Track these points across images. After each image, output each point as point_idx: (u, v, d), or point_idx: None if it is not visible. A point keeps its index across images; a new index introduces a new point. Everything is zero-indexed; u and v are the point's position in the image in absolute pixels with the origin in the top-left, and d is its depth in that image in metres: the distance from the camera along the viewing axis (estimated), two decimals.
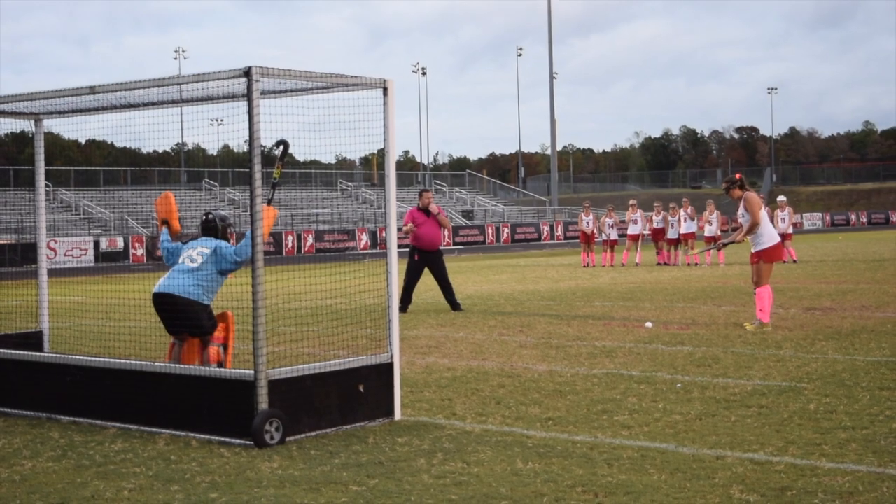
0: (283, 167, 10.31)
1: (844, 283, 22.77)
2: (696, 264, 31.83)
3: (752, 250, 14.91)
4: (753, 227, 14.80)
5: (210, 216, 10.63)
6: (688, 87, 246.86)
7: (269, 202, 10.02)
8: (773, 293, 14.82)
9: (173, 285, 9.98)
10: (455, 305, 18.70)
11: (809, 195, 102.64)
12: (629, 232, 34.57)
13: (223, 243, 10.23)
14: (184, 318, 9.98)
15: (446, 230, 19.30)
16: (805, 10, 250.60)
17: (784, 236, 32.50)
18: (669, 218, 33.31)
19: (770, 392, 9.77)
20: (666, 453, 7.50)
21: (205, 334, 10.11)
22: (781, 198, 34.42)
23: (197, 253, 10.21)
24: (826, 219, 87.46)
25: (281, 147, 10.02)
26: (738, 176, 15.48)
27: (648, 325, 15.12)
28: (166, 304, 10.02)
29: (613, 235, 34.33)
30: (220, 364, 10.09)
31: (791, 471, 6.92)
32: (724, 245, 16.48)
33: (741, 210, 14.95)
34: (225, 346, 10.30)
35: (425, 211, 18.86)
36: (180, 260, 10.24)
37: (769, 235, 14.88)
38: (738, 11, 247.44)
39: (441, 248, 19.16)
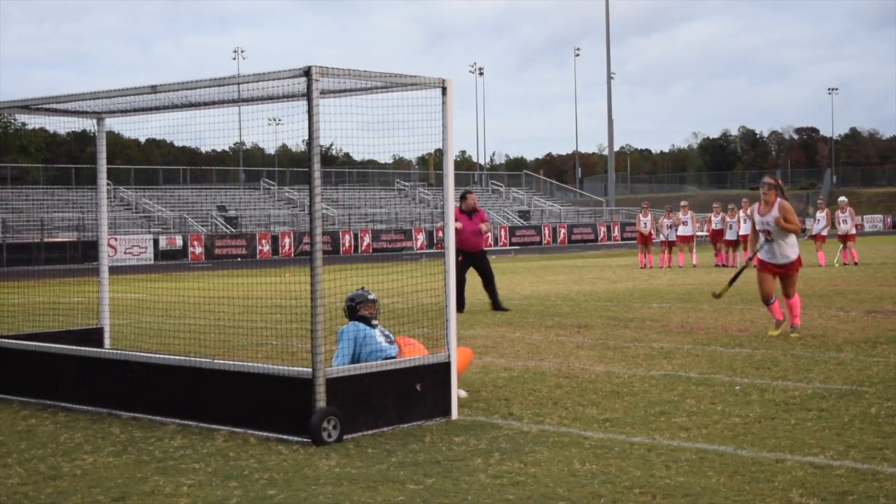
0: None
1: None
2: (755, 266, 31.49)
3: (778, 261, 14.18)
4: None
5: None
6: (748, 87, 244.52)
7: None
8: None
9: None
10: (497, 305, 18.70)
11: (871, 197, 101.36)
12: (679, 233, 34.11)
13: (339, 339, 9.65)
14: None
15: (487, 234, 19.19)
16: (869, 8, 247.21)
17: (847, 237, 32.03)
18: (728, 219, 33.02)
19: (830, 395, 9.67)
20: (725, 456, 7.44)
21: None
22: (842, 199, 33.83)
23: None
24: (887, 221, 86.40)
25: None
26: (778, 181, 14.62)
27: None
28: None
29: (671, 237, 34.08)
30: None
31: (852, 475, 6.84)
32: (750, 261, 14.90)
33: (773, 216, 13.92)
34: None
35: (468, 213, 18.89)
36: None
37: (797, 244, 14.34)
38: (801, 10, 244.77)
39: (484, 248, 19.26)
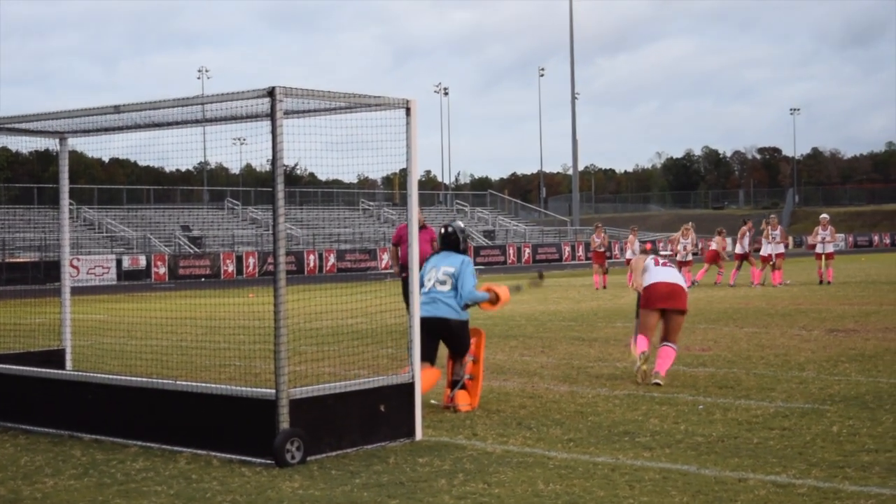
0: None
1: (867, 304, 22.65)
2: (732, 284, 31.26)
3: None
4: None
5: (450, 229, 10.91)
6: (713, 107, 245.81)
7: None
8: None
9: (445, 312, 10.40)
10: None
11: (832, 216, 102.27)
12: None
13: (466, 267, 10.63)
14: (457, 341, 10.54)
15: None
16: (834, 29, 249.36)
17: (826, 255, 31.62)
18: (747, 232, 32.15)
19: (793, 414, 9.72)
20: (688, 475, 7.47)
21: (466, 352, 10.59)
22: (824, 216, 32.90)
23: (444, 273, 10.57)
24: (849, 240, 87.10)
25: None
26: (647, 247, 13.97)
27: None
28: (441, 330, 10.45)
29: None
30: (472, 376, 10.54)
31: (814, 493, 6.87)
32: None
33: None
34: (475, 359, 10.66)
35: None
36: (428, 283, 10.57)
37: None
38: (767, 30, 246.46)
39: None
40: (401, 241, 18.43)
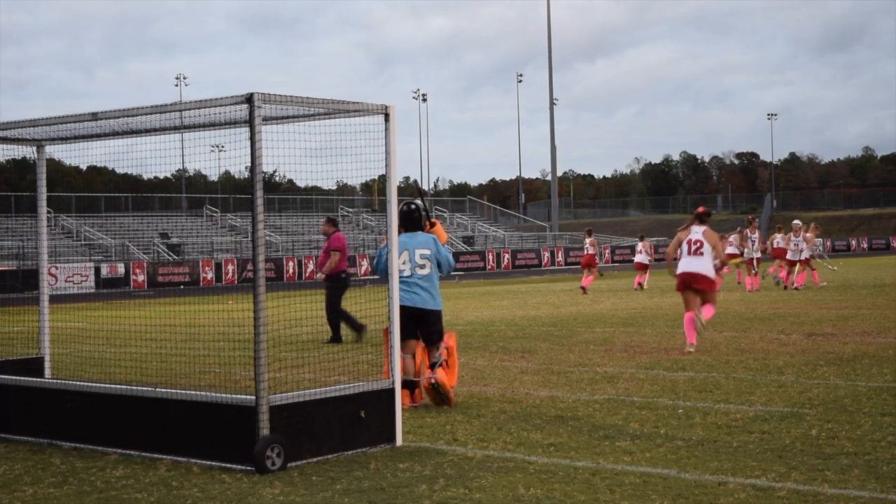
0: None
1: (845, 308, 22.75)
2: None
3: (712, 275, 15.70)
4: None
5: (413, 206, 10.93)
6: (692, 112, 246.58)
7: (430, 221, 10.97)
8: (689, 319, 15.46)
9: (425, 300, 10.71)
10: (335, 338, 16.85)
11: (809, 221, 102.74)
12: (637, 260, 34.45)
13: (440, 246, 10.82)
14: (433, 329, 10.81)
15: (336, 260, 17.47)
16: (812, 34, 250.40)
17: (799, 262, 31.49)
18: (793, 238, 31.81)
19: (772, 418, 9.76)
20: (668, 479, 7.49)
21: (440, 340, 10.81)
22: (797, 222, 32.60)
23: (421, 257, 10.71)
24: (827, 244, 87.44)
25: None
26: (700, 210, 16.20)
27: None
28: (419, 319, 10.73)
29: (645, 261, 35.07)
30: (447, 360, 10.78)
31: (793, 497, 6.90)
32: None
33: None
34: (448, 348, 10.88)
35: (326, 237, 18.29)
36: (405, 267, 10.68)
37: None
38: (746, 36, 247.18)
39: (330, 275, 17.13)
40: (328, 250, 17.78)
